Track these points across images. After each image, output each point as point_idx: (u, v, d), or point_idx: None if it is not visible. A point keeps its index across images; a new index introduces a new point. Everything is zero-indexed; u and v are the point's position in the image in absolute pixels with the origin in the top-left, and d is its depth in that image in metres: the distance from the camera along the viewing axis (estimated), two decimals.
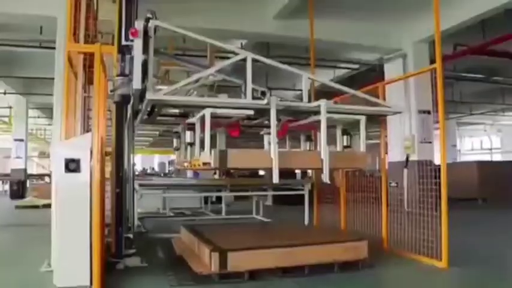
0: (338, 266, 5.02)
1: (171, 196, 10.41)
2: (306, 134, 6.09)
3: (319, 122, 4.94)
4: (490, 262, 5.62)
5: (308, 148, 6.18)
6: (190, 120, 5.13)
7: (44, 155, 32.21)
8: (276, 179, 4.57)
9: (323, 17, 9.40)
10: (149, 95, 4.46)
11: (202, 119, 4.63)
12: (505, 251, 6.29)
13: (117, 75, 5.20)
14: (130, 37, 4.62)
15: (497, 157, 32.45)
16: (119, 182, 5.38)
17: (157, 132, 26.33)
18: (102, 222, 5.12)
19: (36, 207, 12.78)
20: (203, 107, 4.65)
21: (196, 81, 5.41)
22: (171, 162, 33.20)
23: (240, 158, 4.71)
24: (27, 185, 18.47)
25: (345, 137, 5.47)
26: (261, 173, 20.51)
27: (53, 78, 7.75)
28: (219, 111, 4.67)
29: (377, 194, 6.59)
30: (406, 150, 10.04)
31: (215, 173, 17.34)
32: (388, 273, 5.25)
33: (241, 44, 11.71)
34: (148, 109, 4.97)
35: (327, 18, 9.79)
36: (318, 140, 5.59)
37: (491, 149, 34.47)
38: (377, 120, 6.85)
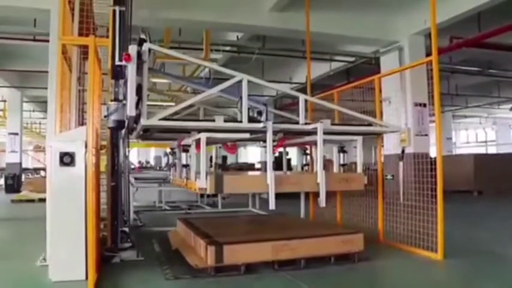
0: (334, 258, 5.04)
1: (167, 189, 10.40)
2: (302, 148, 6.14)
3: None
4: (486, 254, 5.64)
5: (304, 161, 6.21)
6: (186, 141, 5.13)
7: (39, 148, 32.10)
8: (272, 205, 4.61)
9: (319, 10, 9.37)
10: (144, 121, 4.44)
11: (198, 140, 4.64)
12: (500, 243, 6.31)
13: (111, 101, 5.13)
14: (124, 62, 4.54)
15: (492, 150, 32.63)
16: (115, 176, 5.36)
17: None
18: (98, 216, 5.11)
19: (31, 201, 12.75)
20: (199, 131, 4.67)
21: (191, 106, 5.39)
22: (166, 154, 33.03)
23: (236, 183, 4.73)
24: (23, 179, 18.40)
25: (341, 154, 5.49)
26: (257, 166, 20.58)
27: (47, 72, 7.71)
28: (215, 135, 4.71)
29: (373, 186, 6.59)
30: (401, 143, 10.05)
31: (211, 166, 17.37)
32: (384, 266, 5.26)
33: (237, 37, 11.67)
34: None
35: (323, 10, 9.75)
36: (314, 153, 5.64)
37: (486, 142, 34.63)
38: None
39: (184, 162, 5.09)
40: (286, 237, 4.96)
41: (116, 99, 5.09)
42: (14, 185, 17.26)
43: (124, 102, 4.88)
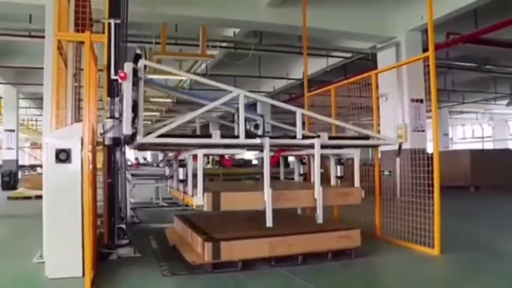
0: (331, 254, 5.05)
1: (164, 186, 10.37)
2: (299, 159, 6.14)
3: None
4: (482, 249, 5.67)
5: (301, 171, 6.20)
6: (183, 156, 5.12)
7: (35, 145, 31.98)
8: (269, 222, 4.63)
9: (316, 5, 9.34)
10: (140, 139, 4.42)
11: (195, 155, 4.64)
12: (496, 238, 6.33)
13: (107, 118, 5.11)
14: (120, 81, 4.50)
15: (488, 145, 32.71)
16: (111, 172, 5.34)
17: (150, 122, 26.22)
18: (94, 212, 5.10)
19: (28, 198, 12.70)
20: (195, 146, 4.68)
21: (189, 121, 5.37)
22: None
23: (233, 200, 4.73)
24: (19, 175, 18.34)
25: (338, 167, 5.49)
26: (254, 162, 20.58)
27: (43, 68, 7.67)
28: (211, 151, 4.74)
29: (370, 182, 6.59)
30: (398, 139, 10.04)
31: (208, 163, 17.37)
32: (381, 261, 5.28)
33: (234, 32, 11.64)
34: None
35: (320, 6, 9.73)
36: (311, 164, 5.66)
37: (482, 138, 34.73)
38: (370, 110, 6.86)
39: (181, 177, 5.11)
40: (283, 233, 4.96)
41: (111, 117, 5.06)
42: (10, 182, 17.20)
43: (120, 118, 4.85)
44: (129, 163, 14.75)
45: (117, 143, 5.19)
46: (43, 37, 6.48)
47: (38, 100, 19.77)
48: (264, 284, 4.41)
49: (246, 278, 4.48)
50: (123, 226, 5.56)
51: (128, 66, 4.42)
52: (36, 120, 26.93)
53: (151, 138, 4.45)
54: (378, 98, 6.87)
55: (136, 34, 9.98)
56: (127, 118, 4.33)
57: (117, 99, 5.03)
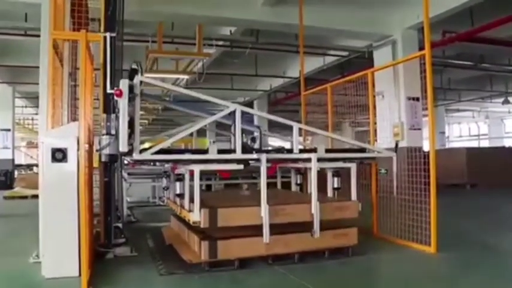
0: (328, 252, 5.06)
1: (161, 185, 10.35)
2: (295, 169, 6.16)
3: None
4: (479, 247, 5.69)
5: (298, 181, 6.20)
6: (179, 170, 5.11)
7: (32, 144, 31.87)
8: (266, 238, 4.64)
9: (312, 4, 9.33)
10: (136, 156, 4.42)
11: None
12: (492, 236, 6.35)
13: (103, 135, 5.09)
14: (116, 98, 4.47)
15: (484, 143, 32.83)
16: (108, 171, 5.33)
17: (147, 121, 26.19)
18: (91, 212, 5.09)
19: (24, 197, 12.68)
20: (192, 162, 4.70)
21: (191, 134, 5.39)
22: None
23: (230, 216, 4.72)
24: (15, 175, 18.27)
25: (335, 178, 5.51)
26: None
27: (39, 67, 7.62)
28: (208, 166, 4.78)
29: (367, 180, 6.61)
30: (395, 137, 10.06)
31: None
32: (378, 259, 5.29)
33: (230, 31, 11.62)
34: None
35: (317, 4, 9.71)
36: (307, 174, 5.68)
37: (478, 136, 34.84)
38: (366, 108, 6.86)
39: (178, 191, 5.12)
40: (280, 232, 4.96)
41: (108, 133, 5.04)
42: (6, 181, 17.13)
43: (116, 135, 4.81)
44: (125, 162, 14.72)
45: (114, 160, 5.19)
46: (39, 36, 6.44)
47: (34, 99, 19.68)
48: (261, 282, 4.41)
49: (243, 276, 4.49)
50: (120, 225, 5.56)
51: (124, 84, 4.40)
52: (32, 120, 26.81)
53: (148, 155, 4.46)
54: (374, 96, 6.87)
55: (132, 33, 9.95)
56: (123, 136, 4.31)
57: (113, 115, 5.00)
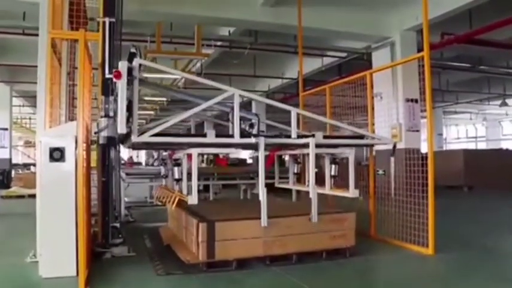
0: (326, 253, 5.06)
1: (158, 185, 10.33)
2: (293, 158, 6.14)
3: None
4: (476, 248, 5.70)
5: (296, 171, 6.19)
6: (177, 155, 5.09)
7: (29, 144, 31.81)
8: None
9: (311, 5, 9.34)
10: (134, 138, 4.39)
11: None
12: (490, 237, 6.36)
13: (101, 117, 5.06)
14: (114, 80, 4.43)
15: (482, 145, 32.90)
16: (105, 171, 5.32)
17: (144, 121, 26.16)
18: (88, 211, 5.08)
19: (21, 197, 12.65)
20: (190, 145, 4.67)
21: (184, 121, 5.34)
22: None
23: (228, 230, 4.73)
24: (13, 174, 18.22)
25: (333, 166, 5.47)
26: (249, 161, 20.58)
27: (37, 66, 7.59)
28: (206, 150, 4.75)
29: (364, 182, 6.61)
30: (393, 139, 10.06)
31: (202, 161, 17.34)
32: (375, 260, 5.30)
33: (229, 31, 11.61)
34: None
35: (315, 6, 9.73)
36: (305, 163, 5.67)
37: (476, 138, 34.92)
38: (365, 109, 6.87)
39: (176, 176, 5.09)
40: (277, 233, 4.96)
41: (106, 116, 5.01)
42: (3, 180, 17.06)
43: (114, 117, 4.82)
44: (122, 161, 14.70)
45: (112, 142, 5.17)
46: (37, 35, 6.42)
47: (31, 98, 19.62)
48: (259, 283, 4.40)
49: (241, 277, 4.48)
50: (117, 225, 5.54)
51: (123, 65, 4.38)
52: (29, 119, 26.76)
53: (146, 138, 4.43)
54: (372, 98, 6.87)
55: (130, 32, 9.93)
56: (121, 117, 4.28)
57: (111, 98, 5.00)
